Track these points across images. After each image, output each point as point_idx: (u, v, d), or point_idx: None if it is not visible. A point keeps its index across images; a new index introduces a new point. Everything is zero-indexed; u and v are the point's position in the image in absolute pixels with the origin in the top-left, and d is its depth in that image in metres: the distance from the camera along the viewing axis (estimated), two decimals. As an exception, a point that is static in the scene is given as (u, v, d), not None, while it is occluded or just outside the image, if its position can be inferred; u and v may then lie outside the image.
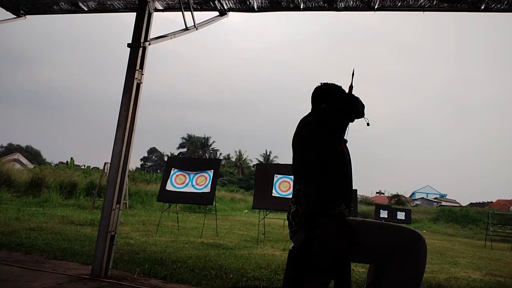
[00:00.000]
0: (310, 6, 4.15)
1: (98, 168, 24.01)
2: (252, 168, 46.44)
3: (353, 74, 2.19)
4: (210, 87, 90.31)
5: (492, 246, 12.72)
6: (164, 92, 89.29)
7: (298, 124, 1.96)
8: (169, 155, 50.91)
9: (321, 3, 4.09)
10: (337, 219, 1.72)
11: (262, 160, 48.41)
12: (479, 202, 44.69)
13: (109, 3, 4.60)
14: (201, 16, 4.45)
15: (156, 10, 4.18)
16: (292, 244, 1.95)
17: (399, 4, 3.95)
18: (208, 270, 4.08)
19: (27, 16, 5.07)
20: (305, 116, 1.99)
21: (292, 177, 2.04)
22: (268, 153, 49.68)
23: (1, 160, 18.73)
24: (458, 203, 43.38)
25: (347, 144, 2.02)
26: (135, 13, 3.90)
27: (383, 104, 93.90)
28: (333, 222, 1.68)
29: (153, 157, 61.32)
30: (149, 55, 3.89)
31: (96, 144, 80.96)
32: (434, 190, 55.97)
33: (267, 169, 9.57)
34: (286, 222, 2.11)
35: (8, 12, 4.97)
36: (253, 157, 56.53)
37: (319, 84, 2.13)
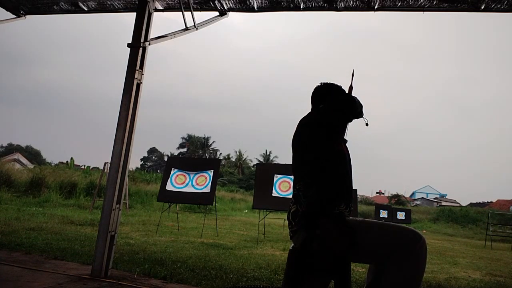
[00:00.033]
0: (310, 6, 4.15)
1: (98, 168, 24.03)
2: (252, 168, 46.44)
3: (352, 75, 2.19)
4: (210, 87, 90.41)
5: (492, 246, 12.72)
6: (164, 92, 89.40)
7: (298, 124, 1.96)
8: (169, 155, 50.93)
9: (321, 3, 4.09)
10: (337, 219, 1.72)
11: (262, 160, 48.42)
12: (479, 202, 44.69)
13: (109, 3, 4.60)
14: (201, 16, 4.46)
15: (156, 10, 4.18)
16: (292, 244, 1.95)
17: (399, 4, 3.95)
18: (208, 270, 4.08)
19: (27, 16, 5.07)
20: (304, 116, 1.99)
21: (292, 177, 2.04)
22: (268, 153, 49.72)
23: (1, 160, 18.73)
24: (458, 203, 43.38)
25: (347, 144, 2.02)
26: (135, 13, 3.90)
27: (383, 104, 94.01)
28: (333, 222, 1.68)
29: (153, 157, 61.32)
30: (149, 55, 3.89)
31: (96, 144, 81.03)
32: (434, 190, 55.97)
33: (267, 169, 9.57)
34: (286, 222, 2.11)
35: (8, 12, 4.97)
36: (253, 157, 56.60)
37: (319, 84, 2.13)
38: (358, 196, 16.11)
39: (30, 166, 25.16)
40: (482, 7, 3.83)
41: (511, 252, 11.47)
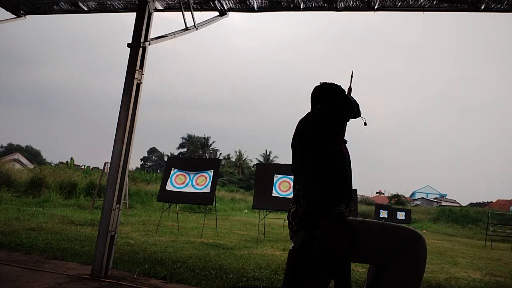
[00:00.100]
0: (310, 6, 4.15)
1: (98, 168, 24.04)
2: (252, 168, 46.44)
3: (351, 76, 2.20)
4: (210, 87, 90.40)
5: (492, 246, 12.72)
6: (164, 92, 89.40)
7: (298, 124, 1.96)
8: (169, 155, 50.93)
9: (321, 3, 4.09)
10: (337, 219, 1.72)
11: (262, 160, 48.41)
12: (479, 202, 44.69)
13: (109, 3, 4.60)
14: (201, 16, 4.46)
15: (156, 10, 4.18)
16: (292, 244, 1.95)
17: (399, 4, 3.95)
18: (208, 270, 4.08)
19: (27, 16, 5.07)
20: (304, 116, 1.99)
21: (292, 177, 2.04)
22: (268, 153, 49.72)
23: (1, 160, 18.73)
24: (458, 203, 43.38)
25: (346, 145, 2.02)
26: (135, 13, 3.90)
27: (383, 104, 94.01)
28: (333, 222, 1.68)
29: (153, 157, 61.32)
30: (149, 55, 3.89)
31: (96, 144, 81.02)
32: (434, 190, 55.97)
33: (267, 169, 9.57)
34: (286, 222, 2.11)
35: (8, 12, 4.97)
36: (253, 157, 56.57)
37: (319, 84, 2.13)
38: (358, 196, 16.11)
39: (30, 166, 25.17)
40: (482, 7, 3.83)
41: (511, 252, 11.47)
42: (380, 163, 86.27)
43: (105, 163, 11.64)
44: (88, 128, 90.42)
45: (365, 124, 2.06)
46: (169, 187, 8.48)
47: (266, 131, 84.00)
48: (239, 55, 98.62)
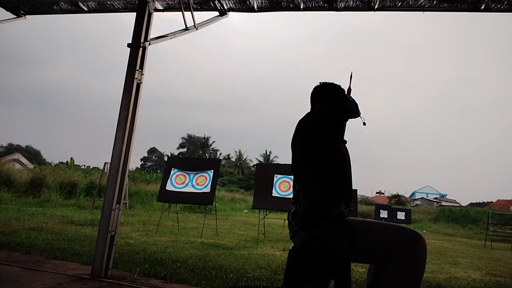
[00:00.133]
0: (310, 6, 4.15)
1: (98, 168, 24.05)
2: (252, 168, 46.44)
3: (351, 77, 2.20)
4: (210, 87, 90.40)
5: (492, 246, 12.72)
6: (164, 92, 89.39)
7: (297, 124, 1.96)
8: (169, 155, 50.93)
9: (321, 3, 4.09)
10: (337, 219, 1.72)
11: (262, 160, 48.41)
12: (479, 202, 44.68)
13: (109, 3, 4.60)
14: (201, 16, 4.46)
15: (156, 10, 4.18)
16: (292, 244, 1.95)
17: (399, 4, 3.95)
18: (208, 270, 4.08)
19: (27, 16, 5.07)
20: (303, 116, 1.99)
21: (292, 177, 2.04)
22: (268, 153, 49.72)
23: (1, 160, 18.73)
24: (458, 203, 43.37)
25: (346, 145, 2.02)
26: (135, 13, 3.90)
27: (383, 104, 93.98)
28: (333, 222, 1.68)
29: (153, 157, 61.33)
30: (149, 55, 3.89)
31: (96, 144, 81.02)
32: (434, 190, 55.96)
33: (267, 169, 9.57)
34: (286, 222, 2.11)
35: (8, 12, 4.97)
36: (253, 157, 56.55)
37: (318, 84, 2.13)
38: (358, 196, 16.11)
39: (30, 166, 25.17)
40: (482, 7, 3.83)
41: (511, 252, 11.47)
42: (380, 163, 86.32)
43: (105, 163, 11.65)
44: (88, 128, 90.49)
45: (364, 124, 2.06)
46: (169, 187, 8.48)
47: (266, 131, 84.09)
48: (239, 55, 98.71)
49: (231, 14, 4.46)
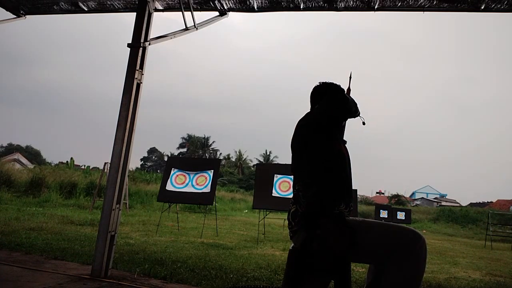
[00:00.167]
0: (310, 6, 4.15)
1: (98, 168, 24.06)
2: (252, 168, 46.44)
3: (350, 77, 2.20)
4: (210, 87, 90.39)
5: (492, 246, 12.72)
6: (164, 92, 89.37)
7: (297, 124, 1.96)
8: (169, 155, 50.93)
9: (321, 3, 4.09)
10: (337, 219, 1.72)
11: (262, 160, 48.41)
12: (479, 202, 44.67)
13: (109, 3, 4.60)
14: (201, 16, 4.46)
15: (156, 10, 4.18)
16: (292, 244, 1.95)
17: (399, 4, 3.95)
18: (208, 270, 4.08)
19: (27, 16, 5.07)
20: (303, 116, 1.99)
21: (292, 177, 2.04)
22: (268, 153, 49.71)
23: (1, 160, 18.73)
24: (458, 203, 43.36)
25: (346, 145, 2.02)
26: (135, 13, 3.90)
27: (383, 104, 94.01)
28: (333, 222, 1.68)
29: (153, 157, 61.32)
30: (149, 55, 3.89)
31: (96, 144, 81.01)
32: (434, 190, 55.95)
33: (267, 169, 9.57)
34: (286, 222, 2.11)
35: (8, 12, 4.97)
36: (253, 157, 56.53)
37: (318, 84, 2.13)
38: (358, 196, 16.10)
39: (30, 166, 25.17)
40: (482, 7, 3.83)
41: (511, 252, 11.47)
42: (380, 163, 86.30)
43: (105, 163, 11.64)
44: (88, 128, 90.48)
45: (364, 123, 2.06)
46: (169, 187, 8.48)
47: (266, 131, 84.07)
48: (239, 55, 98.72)
49: (231, 14, 4.46)
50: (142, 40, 3.79)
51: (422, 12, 3.99)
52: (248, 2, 4.24)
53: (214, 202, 8.71)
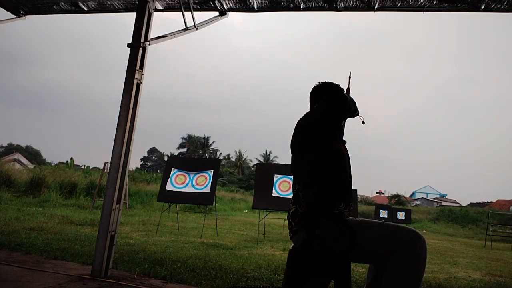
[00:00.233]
0: (310, 6, 4.15)
1: (98, 168, 24.07)
2: (252, 168, 46.44)
3: (349, 77, 2.20)
4: (210, 87, 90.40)
5: (492, 246, 12.72)
6: (164, 92, 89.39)
7: (297, 124, 1.96)
8: (169, 155, 50.92)
9: (321, 3, 4.09)
10: (337, 219, 1.72)
11: (262, 160, 48.41)
12: (479, 202, 44.67)
13: (109, 3, 4.60)
14: (201, 16, 4.46)
15: (156, 10, 4.18)
16: (292, 244, 1.95)
17: (399, 4, 3.95)
18: (208, 270, 4.08)
19: (27, 16, 5.07)
20: (303, 116, 1.99)
21: (292, 177, 2.04)
22: (268, 153, 49.71)
23: (1, 160, 18.73)
24: (458, 203, 43.35)
25: (346, 145, 2.02)
26: (135, 13, 3.90)
27: (383, 104, 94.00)
28: (333, 222, 1.68)
29: (153, 157, 61.32)
30: (149, 55, 3.89)
31: (96, 144, 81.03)
32: (434, 190, 55.95)
33: (267, 169, 9.57)
34: (286, 222, 2.11)
35: (8, 12, 4.97)
36: (253, 157, 56.55)
37: (318, 83, 2.13)
38: (358, 196, 16.10)
39: (30, 166, 25.17)
40: (482, 7, 3.83)
41: (511, 252, 11.47)
42: (380, 163, 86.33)
43: (105, 163, 11.65)
44: (88, 128, 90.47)
45: (363, 123, 2.06)
46: (169, 187, 8.48)
47: (266, 131, 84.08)
48: (239, 55, 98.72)
49: (231, 14, 4.46)
50: (142, 40, 3.79)
51: (422, 12, 3.99)
52: (248, 2, 4.24)
53: (214, 202, 8.71)
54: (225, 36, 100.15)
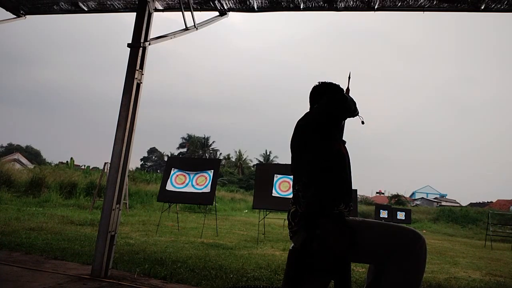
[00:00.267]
0: (310, 6, 4.15)
1: (98, 168, 24.08)
2: (252, 168, 46.44)
3: (349, 77, 2.20)
4: (210, 87, 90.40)
5: (492, 246, 12.72)
6: (164, 92, 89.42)
7: (296, 124, 1.96)
8: (169, 155, 50.92)
9: (321, 3, 4.09)
10: (337, 219, 1.72)
11: (262, 160, 48.40)
12: (479, 202, 44.67)
13: (109, 3, 4.60)
14: (201, 16, 4.46)
15: (156, 10, 4.18)
16: (292, 244, 1.95)
17: (399, 4, 3.95)
18: (208, 270, 4.08)
19: (27, 16, 5.07)
20: (302, 116, 1.99)
21: (292, 177, 2.04)
22: (268, 153, 49.70)
23: (1, 160, 18.73)
24: (458, 203, 43.35)
25: (346, 145, 2.02)
26: (135, 13, 3.90)
27: (383, 104, 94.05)
28: (333, 222, 1.68)
29: (153, 157, 61.32)
30: (149, 55, 3.89)
31: (96, 144, 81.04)
32: (434, 190, 55.94)
33: (267, 169, 9.57)
34: (286, 222, 2.11)
35: (8, 12, 4.97)
36: (253, 157, 56.56)
37: (317, 83, 2.13)
38: (358, 196, 16.09)
39: (30, 166, 25.16)
40: (482, 7, 3.83)
41: (511, 252, 11.47)
42: (380, 163, 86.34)
43: (105, 163, 11.64)
44: (88, 128, 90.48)
45: (363, 123, 2.06)
46: (169, 187, 8.48)
47: (266, 131, 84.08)
48: (239, 55, 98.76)
49: (231, 14, 4.46)
50: (142, 40, 3.79)
51: (422, 12, 3.99)
52: (248, 2, 4.24)
53: (214, 202, 8.71)
54: (225, 36, 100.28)
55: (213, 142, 56.44)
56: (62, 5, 4.75)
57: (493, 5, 3.81)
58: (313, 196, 1.72)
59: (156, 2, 4.19)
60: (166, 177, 8.69)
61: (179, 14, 4.20)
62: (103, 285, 3.21)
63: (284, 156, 45.54)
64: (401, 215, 16.36)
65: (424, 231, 19.12)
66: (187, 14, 4.23)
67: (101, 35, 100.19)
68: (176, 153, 54.98)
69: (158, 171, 43.21)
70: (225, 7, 4.36)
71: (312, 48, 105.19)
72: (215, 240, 7.23)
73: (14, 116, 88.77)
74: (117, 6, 4.62)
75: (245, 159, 51.60)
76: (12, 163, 18.93)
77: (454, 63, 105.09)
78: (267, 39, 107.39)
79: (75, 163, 22.66)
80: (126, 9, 4.63)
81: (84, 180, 14.88)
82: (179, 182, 8.55)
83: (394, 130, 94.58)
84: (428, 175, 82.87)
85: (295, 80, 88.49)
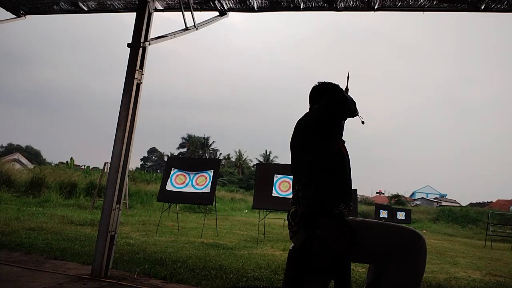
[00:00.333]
0: (310, 6, 4.15)
1: (98, 168, 24.09)
2: (252, 168, 46.44)
3: (348, 77, 2.20)
4: (210, 87, 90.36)
5: (492, 246, 12.72)
6: (164, 92, 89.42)
7: (296, 124, 1.96)
8: (169, 155, 50.92)
9: (321, 3, 4.09)
10: (337, 219, 1.72)
11: (262, 160, 48.40)
12: (479, 202, 44.67)
13: (109, 3, 4.60)
14: (201, 16, 4.46)
15: (156, 10, 4.18)
16: (292, 244, 1.95)
17: (399, 4, 3.95)
18: (208, 270, 4.08)
19: (27, 16, 5.07)
20: (302, 116, 1.99)
21: (292, 177, 2.04)
22: (268, 153, 49.71)
23: (1, 160, 18.73)
24: (458, 203, 43.36)
25: (346, 145, 2.02)
26: (135, 13, 3.90)
27: (383, 104, 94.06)
28: (333, 222, 1.68)
29: (153, 157, 61.32)
30: (149, 55, 3.89)
31: (96, 144, 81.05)
32: (434, 190, 55.93)
33: (267, 169, 9.57)
34: (286, 222, 2.11)
35: (8, 12, 4.97)
36: (253, 157, 56.60)
37: (317, 83, 2.13)
38: (358, 196, 16.09)
39: (30, 166, 25.16)
40: (482, 7, 3.83)
41: (511, 252, 11.47)
42: (380, 163, 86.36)
43: (105, 163, 11.65)
44: (88, 128, 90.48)
45: (363, 123, 2.06)
46: (169, 187, 8.48)
47: (266, 131, 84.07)
48: (239, 55, 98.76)
49: (231, 14, 4.46)
50: (142, 40, 3.79)
51: (422, 12, 3.99)
52: (248, 2, 4.24)
53: (214, 202, 8.71)
54: (225, 36, 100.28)
55: (213, 142, 56.52)
56: (62, 5, 4.75)
57: (493, 5, 3.81)
58: (313, 196, 1.72)
59: (156, 2, 4.19)
60: (166, 177, 8.69)
61: (179, 14, 4.21)
62: (103, 285, 3.21)
63: (284, 156, 45.59)
64: (401, 215, 16.36)
65: (424, 231, 19.13)
66: (187, 14, 4.24)
67: (101, 35, 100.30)
68: (176, 153, 55.04)
69: (158, 171, 43.22)
70: (225, 7, 4.36)
71: (312, 48, 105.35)
72: (215, 240, 7.23)
73: (14, 116, 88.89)
74: (117, 6, 4.62)
75: (245, 159, 51.62)
76: (12, 163, 18.93)
77: (454, 63, 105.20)
78: (267, 39, 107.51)
79: (75, 163, 22.67)
80: (126, 9, 4.63)
81: (84, 180, 14.89)
82: (179, 182, 8.55)
83: (394, 130, 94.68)
84: (428, 175, 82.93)
85: (295, 80, 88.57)
